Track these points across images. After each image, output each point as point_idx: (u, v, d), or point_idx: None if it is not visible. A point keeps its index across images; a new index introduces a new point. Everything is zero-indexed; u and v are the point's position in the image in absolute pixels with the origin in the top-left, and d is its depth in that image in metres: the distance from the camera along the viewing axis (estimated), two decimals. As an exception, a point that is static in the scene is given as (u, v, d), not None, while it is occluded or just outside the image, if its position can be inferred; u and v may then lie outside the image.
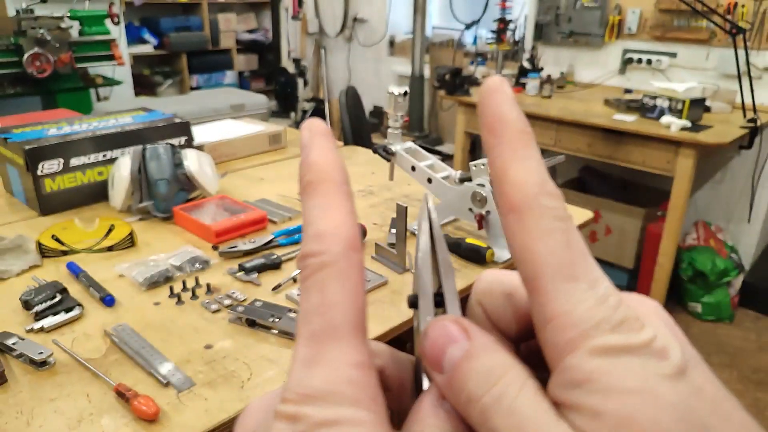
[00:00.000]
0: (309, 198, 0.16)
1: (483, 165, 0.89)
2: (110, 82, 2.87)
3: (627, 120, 2.17)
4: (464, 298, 0.17)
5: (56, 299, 0.71)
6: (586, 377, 0.14)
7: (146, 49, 4.01)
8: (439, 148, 3.68)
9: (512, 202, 0.16)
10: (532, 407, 0.14)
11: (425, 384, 0.17)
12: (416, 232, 0.20)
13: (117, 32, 2.86)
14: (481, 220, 0.89)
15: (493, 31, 2.98)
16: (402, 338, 0.70)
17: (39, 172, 0.98)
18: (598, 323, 0.15)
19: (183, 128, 1.15)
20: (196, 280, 0.78)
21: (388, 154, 1.00)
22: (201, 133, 1.36)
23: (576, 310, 0.15)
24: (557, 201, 0.16)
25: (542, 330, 0.15)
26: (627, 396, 0.13)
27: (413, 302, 0.18)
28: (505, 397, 0.14)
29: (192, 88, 4.20)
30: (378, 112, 4.18)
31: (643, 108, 2.21)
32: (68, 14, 2.51)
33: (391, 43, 4.15)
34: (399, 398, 0.19)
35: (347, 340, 0.15)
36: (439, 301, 0.18)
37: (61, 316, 0.69)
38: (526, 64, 2.89)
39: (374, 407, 0.15)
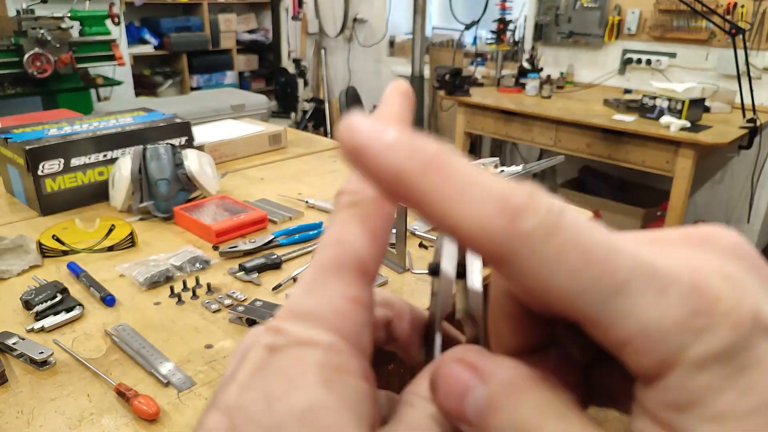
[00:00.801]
0: None
1: (483, 165, 0.90)
2: (111, 82, 2.87)
3: (626, 120, 2.17)
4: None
5: (57, 299, 0.71)
6: (695, 399, 0.12)
7: (147, 49, 4.01)
8: (439, 148, 3.68)
9: (491, 254, 0.12)
10: None
11: (436, 351, 0.18)
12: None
13: (117, 32, 2.86)
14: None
15: (492, 32, 2.99)
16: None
17: (39, 173, 0.98)
18: (680, 328, 0.12)
19: (183, 128, 1.15)
20: (197, 279, 0.78)
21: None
22: (201, 133, 1.36)
23: (649, 325, 0.12)
24: (534, 206, 0.12)
25: (620, 355, 0.13)
26: (746, 419, 0.11)
27: (434, 270, 0.18)
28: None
29: (192, 89, 4.20)
30: (378, 113, 4.17)
31: (643, 108, 2.21)
32: (68, 14, 2.51)
33: (391, 43, 4.15)
34: (407, 349, 0.20)
35: (350, 276, 0.15)
36: (461, 272, 0.18)
37: (62, 316, 0.69)
38: (526, 65, 2.90)
39: (354, 341, 0.15)
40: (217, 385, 0.16)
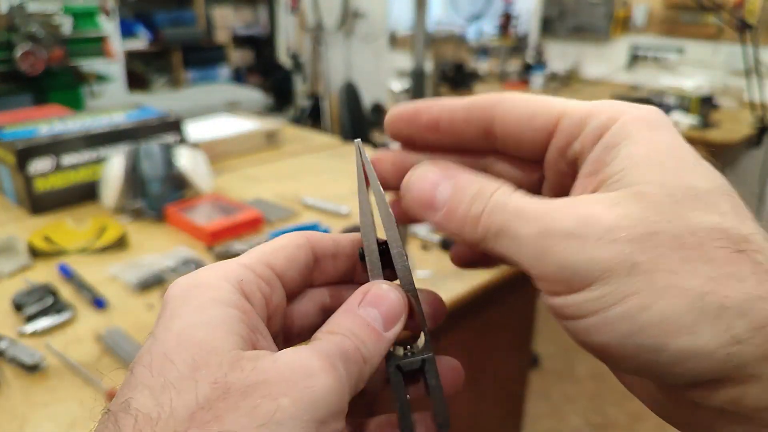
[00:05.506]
0: None
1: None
2: (103, 78, 2.84)
3: (632, 117, 2.14)
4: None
5: (47, 302, 0.69)
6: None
7: (140, 44, 3.98)
8: (441, 144, 3.65)
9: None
10: (528, 199, 0.17)
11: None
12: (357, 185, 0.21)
13: (110, 28, 2.84)
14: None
15: (497, 26, 2.95)
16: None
17: (30, 172, 0.96)
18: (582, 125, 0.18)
19: (176, 126, 1.13)
20: (190, 282, 0.76)
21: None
22: (195, 130, 1.33)
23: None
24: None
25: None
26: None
27: (361, 256, 0.21)
28: (501, 200, 0.17)
29: (186, 84, 4.17)
30: (378, 109, 4.15)
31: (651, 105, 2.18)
32: (61, 10, 2.49)
33: (392, 37, 4.11)
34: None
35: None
36: (384, 250, 0.20)
37: (53, 319, 0.67)
38: (530, 59, 2.86)
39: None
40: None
